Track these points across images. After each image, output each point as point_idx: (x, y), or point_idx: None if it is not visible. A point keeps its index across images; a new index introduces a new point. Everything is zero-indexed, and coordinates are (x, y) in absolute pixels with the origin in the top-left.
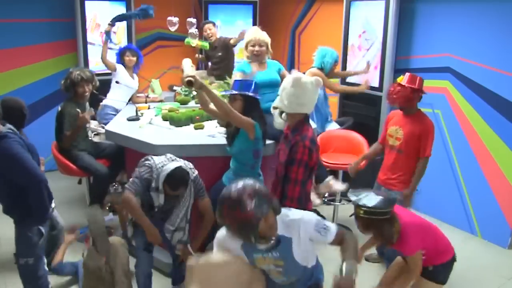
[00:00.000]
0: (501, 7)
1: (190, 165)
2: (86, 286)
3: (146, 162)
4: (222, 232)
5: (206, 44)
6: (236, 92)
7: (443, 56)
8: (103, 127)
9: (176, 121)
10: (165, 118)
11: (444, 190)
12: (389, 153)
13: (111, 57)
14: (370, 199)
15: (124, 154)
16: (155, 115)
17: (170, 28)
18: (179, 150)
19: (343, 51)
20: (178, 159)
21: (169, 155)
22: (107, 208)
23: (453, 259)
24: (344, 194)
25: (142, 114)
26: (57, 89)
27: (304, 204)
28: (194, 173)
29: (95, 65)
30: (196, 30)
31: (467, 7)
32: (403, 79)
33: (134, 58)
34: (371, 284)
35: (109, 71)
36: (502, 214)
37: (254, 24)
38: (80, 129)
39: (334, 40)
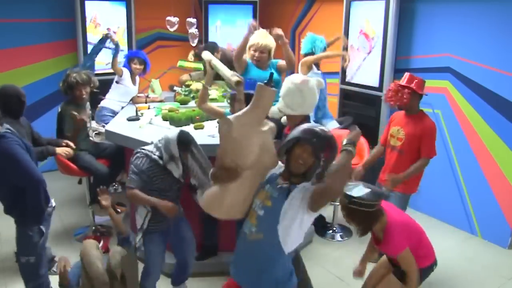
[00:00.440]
0: (501, 7)
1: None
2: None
3: (138, 154)
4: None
5: (200, 66)
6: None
7: (443, 56)
8: (104, 126)
9: (176, 121)
10: (165, 118)
11: (444, 190)
12: (390, 153)
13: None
14: (358, 190)
15: (124, 154)
16: (155, 115)
17: (169, 28)
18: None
19: (343, 51)
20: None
21: (155, 141)
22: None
23: (432, 266)
24: None
25: (142, 114)
26: (57, 89)
27: None
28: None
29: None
30: (196, 30)
31: (467, 7)
32: (402, 79)
33: (141, 67)
34: None
35: (109, 71)
36: (502, 214)
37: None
38: (79, 131)
39: None
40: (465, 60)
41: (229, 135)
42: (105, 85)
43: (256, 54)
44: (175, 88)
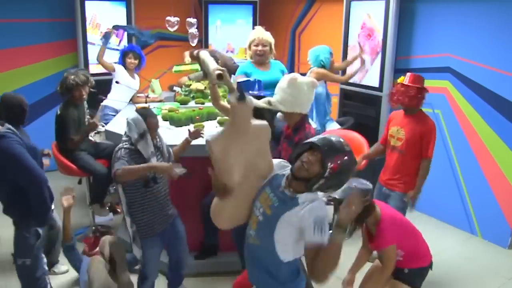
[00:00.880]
0: (501, 7)
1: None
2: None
3: (115, 151)
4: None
5: (196, 67)
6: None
7: (443, 56)
8: (103, 126)
9: (176, 121)
10: (165, 118)
11: (444, 190)
12: (390, 154)
13: (113, 56)
14: (343, 191)
15: None
16: None
17: (169, 29)
18: None
19: (343, 51)
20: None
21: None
22: (107, 208)
23: (429, 267)
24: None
25: None
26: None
27: None
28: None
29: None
30: (196, 30)
31: (467, 7)
32: (405, 79)
33: (136, 61)
34: None
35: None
36: (502, 214)
37: (254, 24)
38: (89, 134)
39: (334, 40)
40: (465, 60)
41: (212, 155)
42: (104, 85)
43: (259, 48)
44: (175, 88)
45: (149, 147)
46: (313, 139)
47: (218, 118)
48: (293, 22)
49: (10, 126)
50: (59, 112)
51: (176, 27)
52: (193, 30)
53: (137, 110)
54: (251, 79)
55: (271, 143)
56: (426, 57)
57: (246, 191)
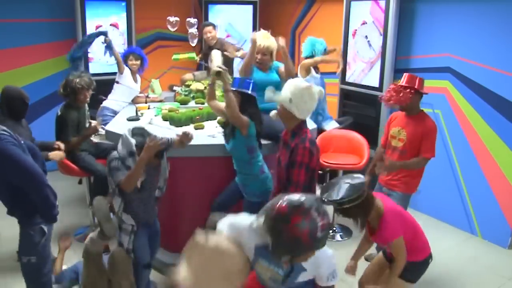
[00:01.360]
0: (501, 7)
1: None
2: (85, 278)
3: (111, 156)
4: (247, 221)
5: (192, 55)
6: (234, 89)
7: (443, 56)
8: (103, 128)
9: (176, 121)
10: (165, 118)
11: (444, 190)
12: (391, 154)
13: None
14: (337, 191)
15: None
16: (155, 115)
17: (170, 28)
18: (179, 150)
19: (343, 51)
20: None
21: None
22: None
23: (427, 260)
24: None
25: (142, 114)
26: (57, 89)
27: None
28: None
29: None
30: (196, 30)
31: (467, 7)
32: (402, 80)
33: (138, 62)
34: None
35: (110, 71)
36: (502, 214)
37: (254, 24)
38: (89, 137)
39: (334, 40)
40: (465, 60)
41: None
42: (105, 86)
43: (259, 56)
44: (175, 88)
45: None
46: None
47: (218, 118)
48: (293, 22)
49: (5, 128)
50: (59, 113)
51: (176, 27)
52: (193, 30)
53: (134, 129)
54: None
55: (271, 143)
56: (426, 57)
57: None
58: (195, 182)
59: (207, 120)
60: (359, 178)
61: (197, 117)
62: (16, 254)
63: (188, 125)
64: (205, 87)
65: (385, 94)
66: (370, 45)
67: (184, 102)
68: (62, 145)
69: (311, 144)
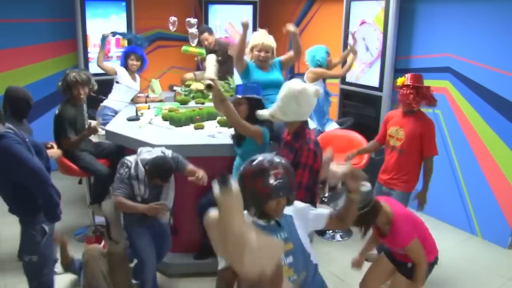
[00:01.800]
0: (501, 7)
1: (163, 148)
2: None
3: (123, 162)
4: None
5: (202, 51)
6: (240, 96)
7: (443, 56)
8: (102, 128)
9: (176, 121)
10: (165, 118)
11: (444, 190)
12: (390, 154)
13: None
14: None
15: (124, 154)
16: (155, 115)
17: (171, 28)
18: (179, 150)
19: (343, 51)
20: (149, 148)
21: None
22: None
23: (434, 262)
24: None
25: (142, 114)
26: (57, 89)
27: None
28: (169, 153)
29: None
30: (196, 30)
31: (467, 7)
32: (407, 80)
33: (138, 63)
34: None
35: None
36: (502, 214)
37: (254, 24)
38: (88, 137)
39: (334, 40)
40: (465, 60)
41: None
42: (105, 86)
43: (262, 54)
44: (175, 88)
45: (139, 190)
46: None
47: (218, 118)
48: (293, 22)
49: (11, 126)
50: (57, 111)
51: (175, 28)
52: (193, 30)
53: (156, 160)
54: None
55: (272, 144)
56: (426, 57)
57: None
58: (194, 183)
59: (207, 120)
60: (366, 186)
61: (197, 117)
62: (17, 254)
63: (188, 125)
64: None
65: (401, 98)
66: (367, 48)
67: (184, 102)
68: (55, 145)
69: (316, 145)
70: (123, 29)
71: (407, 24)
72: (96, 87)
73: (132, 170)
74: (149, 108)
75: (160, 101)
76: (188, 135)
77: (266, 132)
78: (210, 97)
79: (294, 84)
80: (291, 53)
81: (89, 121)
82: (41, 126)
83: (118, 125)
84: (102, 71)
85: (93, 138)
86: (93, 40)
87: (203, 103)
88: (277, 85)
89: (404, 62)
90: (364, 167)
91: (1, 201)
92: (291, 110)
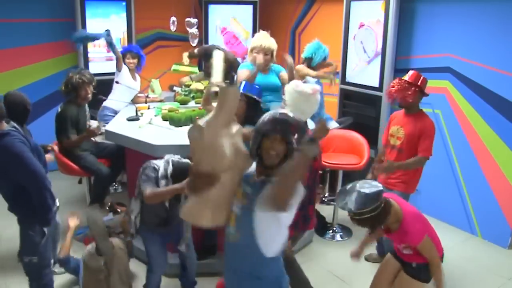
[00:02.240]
0: (501, 7)
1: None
2: (86, 286)
3: (147, 164)
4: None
5: (195, 70)
6: (243, 92)
7: (443, 56)
8: (102, 132)
9: (176, 121)
10: (165, 118)
11: (444, 190)
12: (390, 153)
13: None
14: (355, 201)
15: (124, 154)
16: (155, 115)
17: (171, 28)
18: (179, 150)
19: (343, 51)
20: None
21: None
22: (107, 208)
23: (442, 258)
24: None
25: (142, 114)
26: (57, 89)
27: (306, 208)
28: None
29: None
30: (197, 30)
31: (467, 7)
32: (407, 75)
33: (135, 60)
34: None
35: (110, 71)
36: (502, 214)
37: (254, 24)
38: (87, 139)
39: (334, 40)
40: (465, 60)
41: (201, 141)
42: (105, 85)
43: (260, 56)
44: (175, 88)
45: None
46: (260, 128)
47: None
48: (293, 22)
49: (15, 124)
50: (59, 110)
51: (175, 28)
52: (193, 30)
53: (182, 162)
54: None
55: None
56: (426, 57)
57: (229, 184)
58: None
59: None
60: (377, 186)
61: (197, 117)
62: (18, 254)
63: (188, 125)
64: (205, 87)
65: (389, 88)
66: (365, 51)
67: (184, 102)
68: (56, 147)
69: None
70: (123, 29)
71: (407, 24)
72: (95, 82)
73: (162, 169)
74: (149, 108)
75: (160, 101)
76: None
77: None
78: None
79: (303, 86)
80: (285, 76)
81: (90, 121)
82: (41, 126)
83: (118, 125)
84: (102, 71)
85: (95, 139)
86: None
87: None
88: (274, 89)
89: (404, 62)
90: (364, 167)
91: (2, 201)
92: (300, 110)
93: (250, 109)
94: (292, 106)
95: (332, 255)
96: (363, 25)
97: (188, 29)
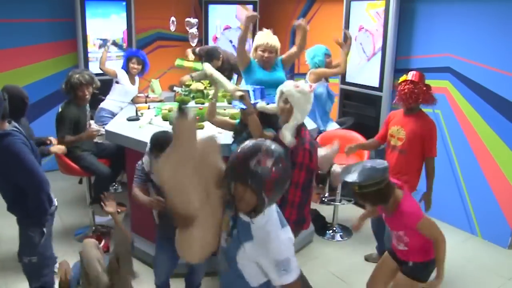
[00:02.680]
0: (501, 7)
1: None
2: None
3: (139, 162)
4: None
5: (199, 66)
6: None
7: (443, 56)
8: (101, 134)
9: None
10: (165, 118)
11: (444, 190)
12: (391, 154)
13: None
14: (360, 173)
15: (124, 154)
16: (155, 115)
17: (171, 28)
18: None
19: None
20: None
21: None
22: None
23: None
24: (344, 194)
25: (142, 114)
26: (57, 89)
27: (303, 209)
28: None
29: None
30: (197, 30)
31: (467, 7)
32: (410, 77)
33: (139, 67)
34: None
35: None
36: (502, 214)
37: (254, 23)
38: (83, 140)
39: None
40: (465, 60)
41: (164, 183)
42: (104, 86)
43: (265, 54)
44: (175, 88)
45: (148, 164)
46: (231, 170)
47: None
48: (293, 22)
49: (16, 125)
50: (60, 109)
51: (175, 28)
52: (193, 30)
53: (156, 133)
54: (253, 88)
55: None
56: (426, 57)
57: (210, 214)
58: None
59: (207, 120)
60: (383, 163)
61: (197, 117)
62: (17, 254)
63: None
64: (205, 87)
65: (399, 92)
66: (364, 51)
67: (184, 102)
68: (54, 140)
69: (311, 145)
70: (123, 28)
71: (407, 24)
72: (99, 84)
73: (146, 156)
74: (149, 108)
75: (160, 101)
76: None
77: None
78: (210, 97)
79: (302, 86)
80: (291, 50)
81: (91, 121)
82: (41, 126)
83: (118, 125)
84: (101, 71)
85: (95, 139)
86: (93, 40)
87: (203, 103)
88: (278, 85)
89: (404, 62)
90: None
91: (2, 201)
92: (305, 111)
93: (263, 114)
94: (297, 107)
95: (332, 255)
96: (362, 27)
97: (188, 29)
